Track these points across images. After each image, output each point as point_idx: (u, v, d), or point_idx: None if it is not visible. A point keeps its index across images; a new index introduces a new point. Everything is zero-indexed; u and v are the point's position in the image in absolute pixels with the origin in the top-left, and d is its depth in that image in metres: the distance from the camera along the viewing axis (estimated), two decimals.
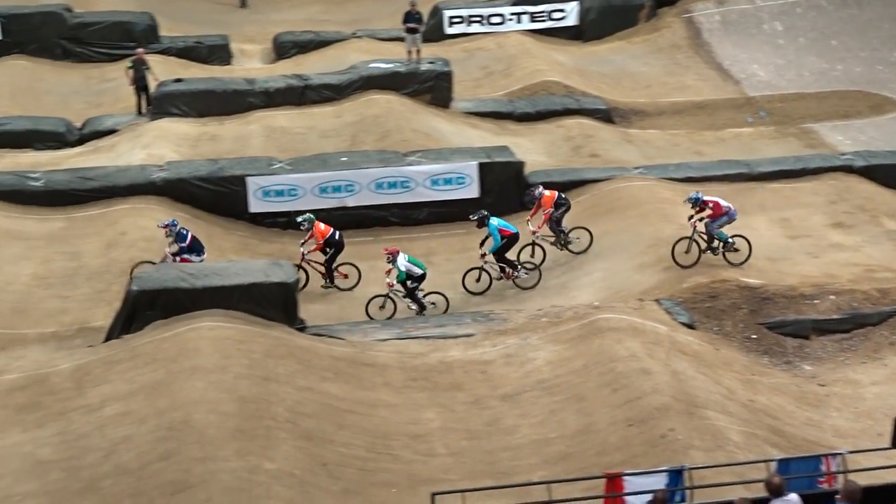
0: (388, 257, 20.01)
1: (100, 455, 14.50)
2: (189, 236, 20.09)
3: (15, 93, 30.74)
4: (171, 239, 19.96)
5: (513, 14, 35.63)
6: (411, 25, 30.57)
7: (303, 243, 21.18)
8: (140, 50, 29.34)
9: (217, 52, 34.11)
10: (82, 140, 27.42)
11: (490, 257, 21.00)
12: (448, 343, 17.80)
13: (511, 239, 21.07)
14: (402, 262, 19.98)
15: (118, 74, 30.65)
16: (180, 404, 15.04)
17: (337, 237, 21.12)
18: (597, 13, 35.72)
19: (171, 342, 16.59)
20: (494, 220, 21.05)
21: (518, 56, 33.12)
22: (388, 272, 20.12)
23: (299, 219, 21.25)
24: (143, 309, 17.56)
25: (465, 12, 35.55)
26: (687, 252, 20.43)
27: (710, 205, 20.51)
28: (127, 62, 29.06)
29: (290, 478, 13.93)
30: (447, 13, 35.39)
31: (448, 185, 23.73)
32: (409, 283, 20.03)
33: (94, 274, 20.64)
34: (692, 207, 20.62)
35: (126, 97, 29.19)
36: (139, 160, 24.92)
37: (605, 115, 29.39)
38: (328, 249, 21.02)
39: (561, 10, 35.82)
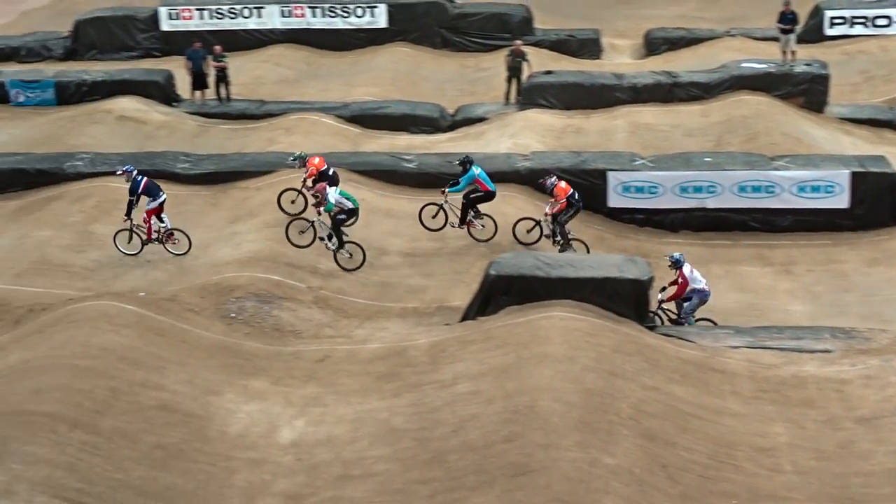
0: (319, 196, 20.41)
1: (448, 429, 15.05)
2: (143, 182, 21.02)
3: (396, 78, 32.53)
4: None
5: None
6: (785, 26, 29.55)
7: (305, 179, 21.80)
8: (518, 42, 30.20)
9: (588, 46, 34.55)
10: (454, 126, 28.59)
11: (451, 197, 21.48)
12: (803, 357, 17.06)
13: (487, 195, 21.49)
14: (333, 194, 20.32)
15: (492, 64, 31.71)
16: (527, 389, 15.34)
17: (331, 172, 21.63)
18: None
19: (523, 328, 16.95)
20: (476, 170, 21.37)
21: None
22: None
23: (290, 159, 22.15)
24: (498, 293, 18.04)
25: (847, 13, 33.93)
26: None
27: (680, 278, 18.53)
28: (506, 51, 29.99)
29: (628, 475, 13.87)
30: (828, 13, 33.91)
31: (815, 192, 22.71)
32: (338, 216, 20.36)
33: (454, 255, 21.46)
34: (670, 267, 18.75)
35: (497, 87, 30.12)
36: (505, 148, 25.66)
37: None
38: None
39: None
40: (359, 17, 35.20)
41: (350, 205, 20.71)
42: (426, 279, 20.72)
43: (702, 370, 16.63)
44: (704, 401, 15.86)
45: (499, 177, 23.44)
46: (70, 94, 30.07)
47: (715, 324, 18.77)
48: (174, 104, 30.06)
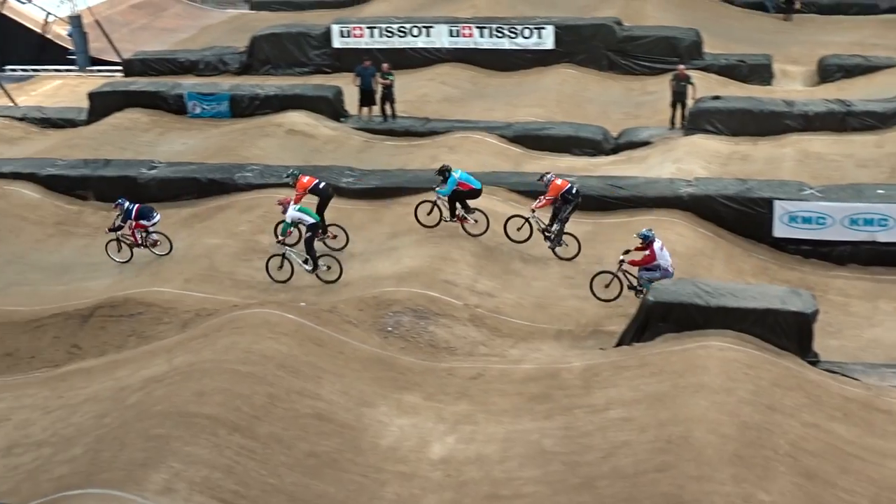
0: (282, 208, 21.00)
1: (599, 455, 14.90)
2: (134, 209, 22.53)
3: (561, 99, 32.51)
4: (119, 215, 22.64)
5: None
6: None
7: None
8: (681, 66, 29.81)
9: (758, 72, 33.86)
10: (617, 149, 28.39)
11: (443, 198, 21.98)
12: None
13: (471, 192, 21.85)
14: (293, 211, 20.78)
15: (658, 88, 31.37)
16: (681, 419, 15.07)
17: (321, 187, 21.96)
18: None
19: (680, 356, 16.67)
20: (456, 174, 21.81)
21: None
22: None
23: (284, 176, 22.80)
24: (656, 320, 17.81)
25: None
26: (607, 286, 20.00)
27: (648, 252, 19.46)
28: (670, 76, 29.67)
29: None
30: None
31: None
32: (307, 235, 20.81)
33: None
34: (641, 243, 19.58)
35: (662, 111, 29.79)
36: (668, 173, 25.34)
37: None
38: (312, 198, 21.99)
39: None
40: (526, 38, 35.33)
41: (310, 220, 21.06)
42: (582, 302, 20.57)
43: (866, 409, 16.04)
44: (868, 442, 15.29)
45: (661, 202, 23.25)
46: (243, 108, 31.09)
47: None
48: (342, 119, 30.72)
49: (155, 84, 33.28)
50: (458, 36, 35.98)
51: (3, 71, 40.57)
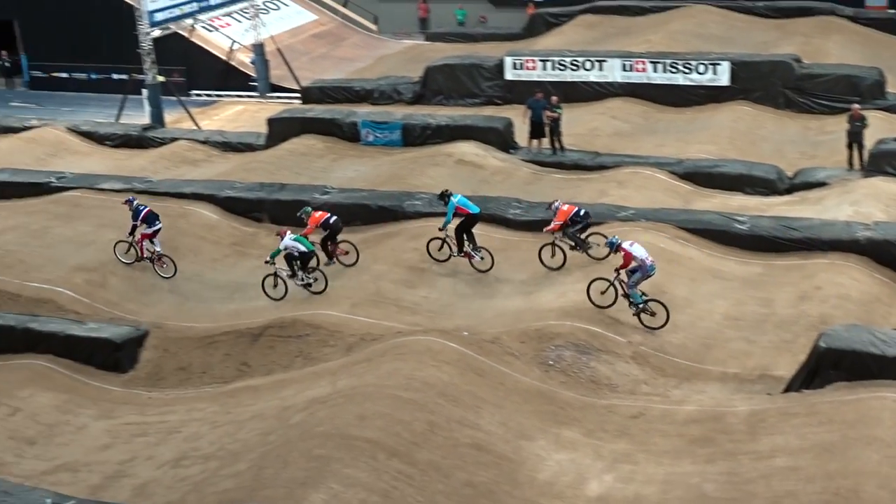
0: (279, 238, 22.32)
1: (762, 503, 14.51)
2: (144, 211, 23.94)
3: (734, 136, 31.92)
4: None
5: None
6: None
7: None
8: (855, 106, 28.84)
9: None
10: (791, 189, 27.60)
11: (450, 232, 22.82)
12: None
13: (469, 218, 22.74)
14: (287, 240, 22.16)
15: (836, 128, 30.45)
16: (851, 472, 14.51)
17: (332, 221, 23.31)
18: None
19: (851, 407, 16.06)
20: (455, 198, 22.73)
21: None
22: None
23: (299, 213, 23.68)
24: (827, 367, 17.20)
25: None
26: (603, 293, 20.40)
27: (622, 253, 19.98)
28: (845, 116, 28.81)
29: None
30: None
31: None
32: (291, 255, 22.19)
33: (782, 323, 20.68)
34: (613, 252, 20.29)
35: (840, 151, 28.88)
36: (845, 216, 24.49)
37: None
38: (323, 231, 23.33)
39: None
40: (700, 73, 34.86)
41: (303, 248, 22.41)
42: (750, 345, 20.07)
43: None
44: None
45: (836, 245, 22.52)
46: (415, 137, 31.56)
47: (664, 304, 20.00)
48: (511, 151, 30.86)
49: (330, 111, 34.15)
50: (630, 70, 35.78)
51: (190, 96, 42.33)
